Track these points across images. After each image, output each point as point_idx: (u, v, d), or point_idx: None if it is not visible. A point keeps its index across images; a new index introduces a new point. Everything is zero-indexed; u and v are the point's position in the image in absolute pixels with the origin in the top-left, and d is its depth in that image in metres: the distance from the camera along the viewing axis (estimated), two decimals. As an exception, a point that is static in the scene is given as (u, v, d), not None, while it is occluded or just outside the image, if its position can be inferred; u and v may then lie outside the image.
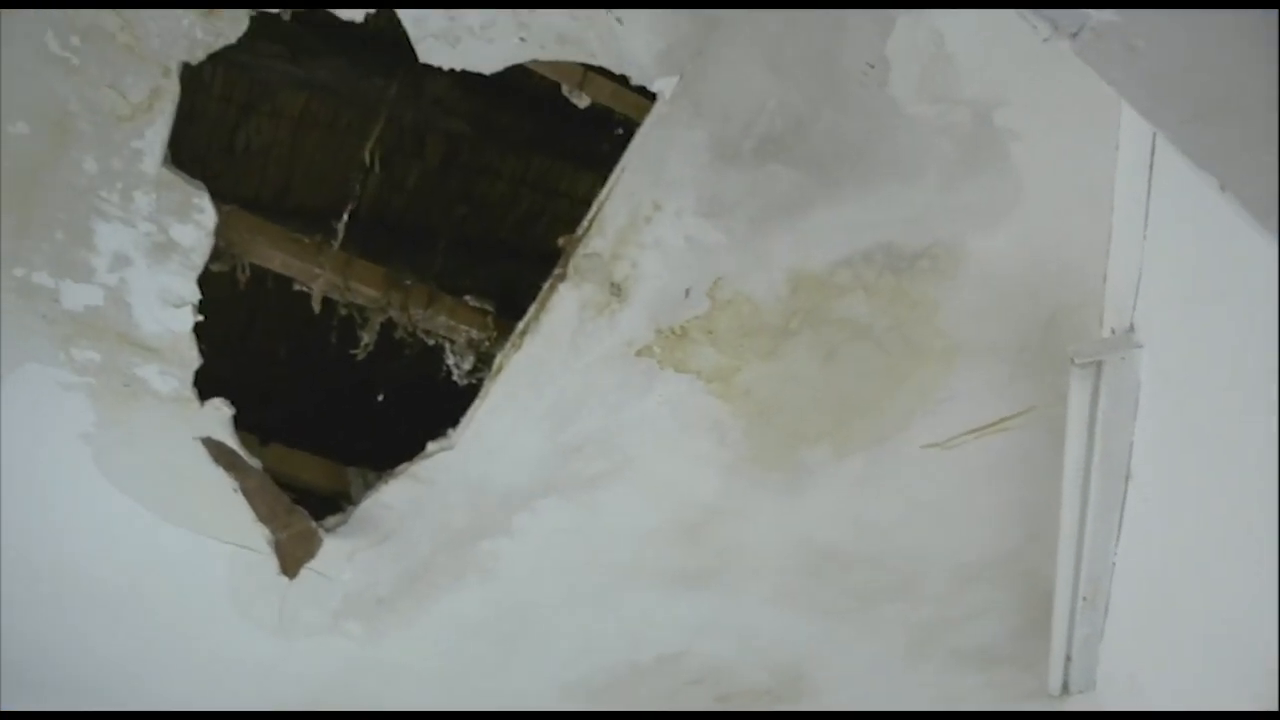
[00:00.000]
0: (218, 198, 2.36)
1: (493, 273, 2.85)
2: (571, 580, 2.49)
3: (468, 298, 2.06)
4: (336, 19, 1.56)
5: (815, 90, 1.58)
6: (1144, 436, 1.73)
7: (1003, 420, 2.14)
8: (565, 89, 1.71)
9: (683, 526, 2.35)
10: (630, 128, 1.72)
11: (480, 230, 2.84)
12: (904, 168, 1.69)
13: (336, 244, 1.98)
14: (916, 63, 1.58)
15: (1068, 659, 2.16)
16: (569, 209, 2.86)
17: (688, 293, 1.85)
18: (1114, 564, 1.94)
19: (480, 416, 2.06)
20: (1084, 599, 2.04)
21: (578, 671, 2.82)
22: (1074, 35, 0.74)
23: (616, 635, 2.69)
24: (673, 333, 1.92)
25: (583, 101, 1.73)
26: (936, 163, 1.69)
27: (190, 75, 1.55)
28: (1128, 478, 1.82)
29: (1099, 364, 1.70)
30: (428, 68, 1.59)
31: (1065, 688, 2.18)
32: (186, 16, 1.45)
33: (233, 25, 1.46)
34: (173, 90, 1.53)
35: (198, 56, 1.50)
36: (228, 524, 2.24)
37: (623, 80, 1.62)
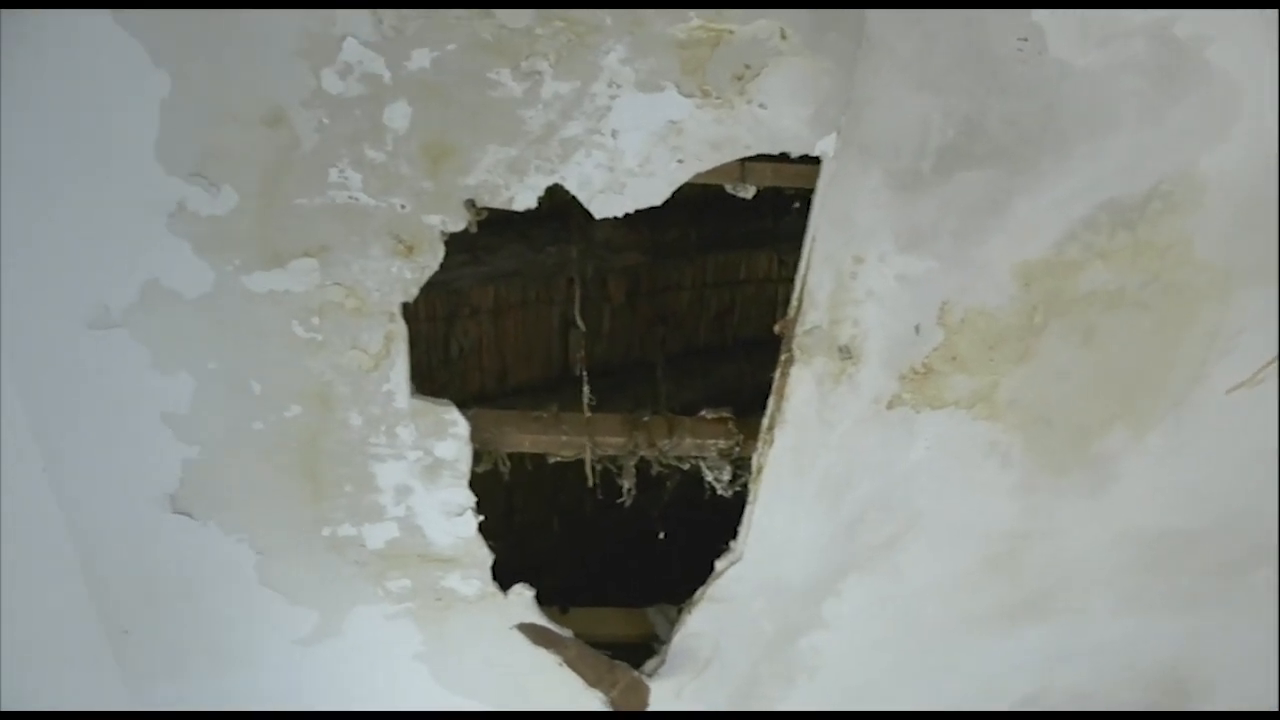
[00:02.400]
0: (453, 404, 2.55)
1: (712, 377, 2.89)
2: (898, 652, 2.38)
3: (704, 412, 2.08)
4: (507, 213, 1.67)
5: (975, 88, 1.52)
6: None
7: (1312, 331, 1.89)
8: (729, 188, 1.74)
9: (993, 562, 2.20)
10: (802, 198, 1.72)
11: (683, 342, 2.90)
12: (1098, 122, 1.57)
13: (586, 400, 2.05)
14: (1068, 16, 1.49)
15: None
16: (755, 291, 2.89)
17: (918, 329, 1.78)
18: None
19: (756, 520, 2.05)
20: None
21: (938, 742, 2.66)
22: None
23: (965, 692, 2.53)
24: (916, 373, 1.84)
25: (749, 193, 1.75)
26: (1131, 102, 1.56)
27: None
28: None
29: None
30: (590, 219, 1.67)
31: None
32: (394, 264, 1.60)
33: (432, 256, 1.60)
34: (401, 330, 1.69)
35: (412, 294, 1.65)
36: (562, 697, 2.31)
37: (782, 156, 1.63)
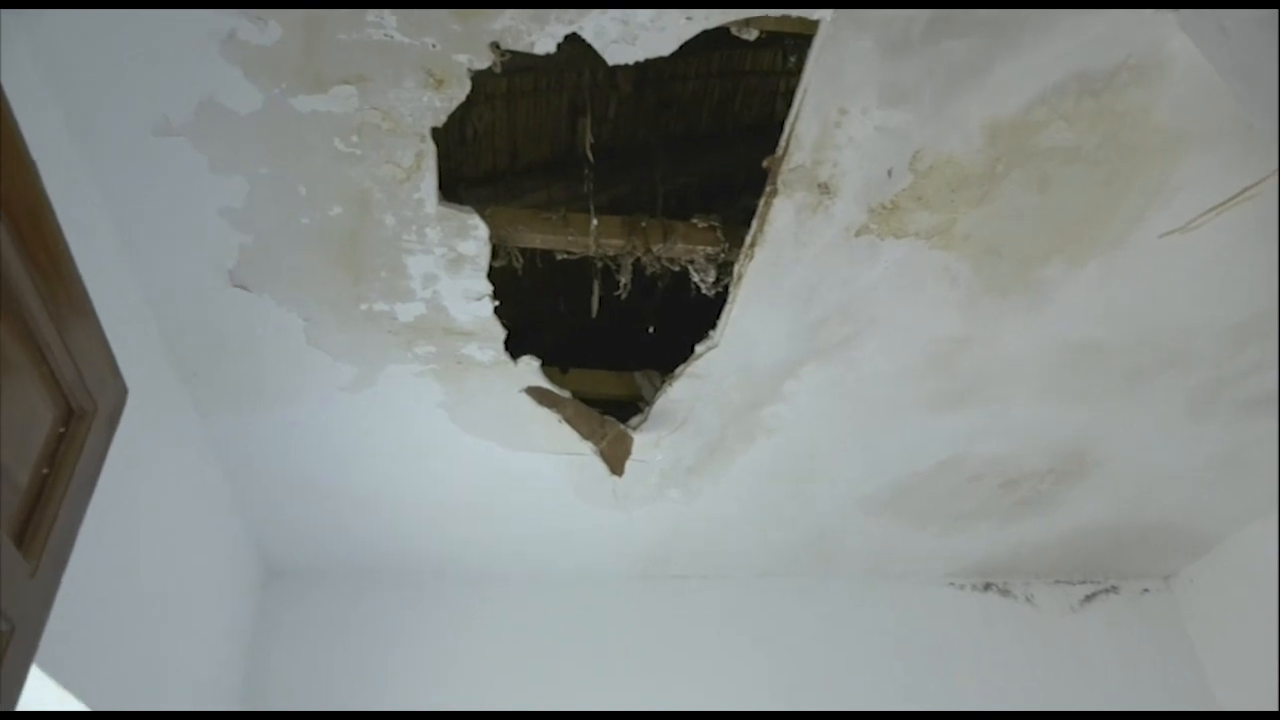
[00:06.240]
0: (465, 180, 2.77)
1: (711, 161, 3.08)
2: (844, 422, 2.81)
3: (695, 219, 2.32)
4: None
5: (970, -36, 1.62)
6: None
7: (1244, 191, 2.10)
8: (734, 30, 1.85)
9: (934, 359, 2.56)
10: (800, 47, 1.84)
11: (684, 128, 3.04)
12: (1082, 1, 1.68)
13: (589, 188, 2.29)
14: (1070, -101, 1.56)
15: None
16: (758, 83, 2.98)
17: (890, 173, 1.99)
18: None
19: (733, 317, 2.37)
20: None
21: (867, 489, 3.19)
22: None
23: (895, 455, 3.01)
24: (884, 208, 2.07)
25: (752, 35, 1.86)
26: (1114, -14, 1.66)
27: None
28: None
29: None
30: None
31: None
32: (425, 94, 1.77)
33: (459, 89, 1.77)
34: (430, 149, 1.89)
35: (441, 120, 1.83)
36: (559, 442, 2.77)
37: (784, 7, 1.74)
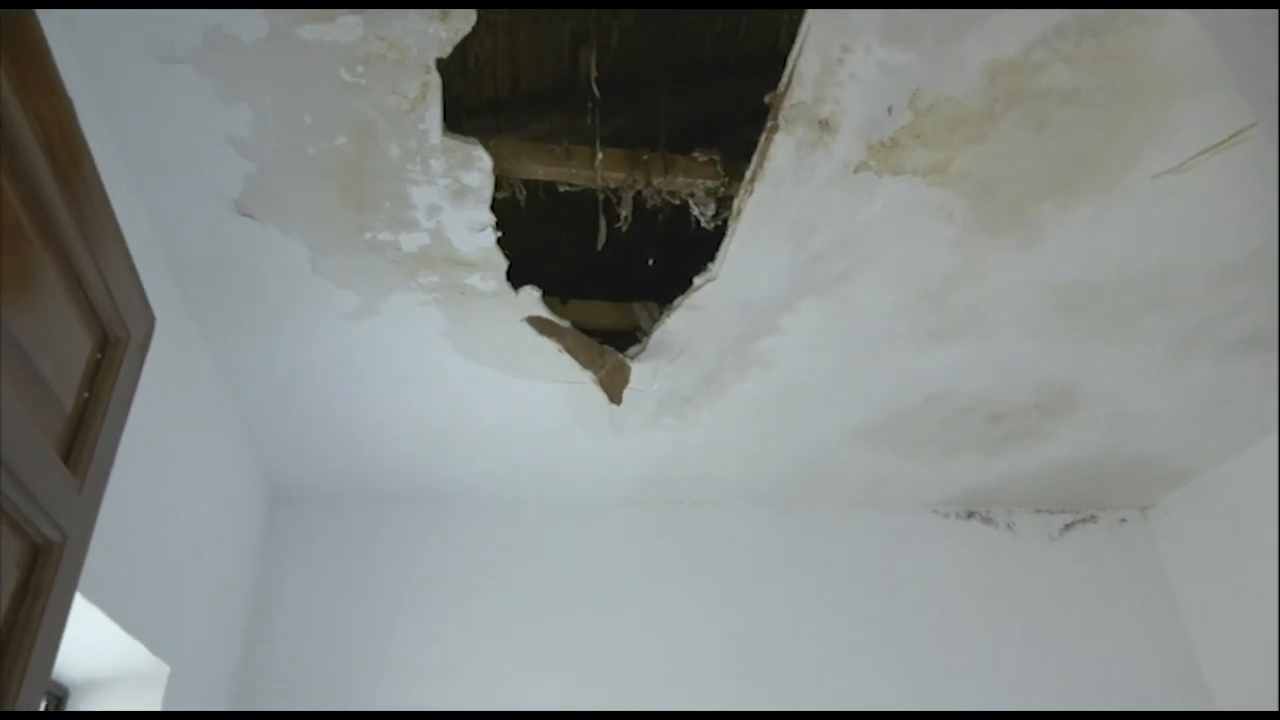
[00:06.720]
0: (466, 109, 2.77)
1: (710, 92, 3.07)
2: (838, 354, 2.88)
3: (696, 153, 2.34)
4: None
5: (977, -98, 1.62)
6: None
7: (1237, 134, 2.13)
8: (739, -37, 1.85)
9: (927, 295, 2.62)
10: (806, -19, 1.85)
11: (687, 58, 3.03)
12: (1085, -58, 1.69)
13: (593, 120, 2.31)
14: None
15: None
16: (761, 14, 2.96)
17: (890, 110, 2.01)
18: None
19: (732, 250, 2.41)
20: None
21: (858, 419, 3.28)
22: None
23: (887, 387, 3.09)
24: (883, 145, 2.10)
25: (757, -31, 1.87)
26: (1119, -73, 1.67)
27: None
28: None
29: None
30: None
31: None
32: (431, 25, 1.78)
33: (465, 21, 1.78)
34: (436, 80, 1.90)
35: (447, 51, 1.84)
36: (559, 371, 2.84)
37: (790, -56, 1.74)
